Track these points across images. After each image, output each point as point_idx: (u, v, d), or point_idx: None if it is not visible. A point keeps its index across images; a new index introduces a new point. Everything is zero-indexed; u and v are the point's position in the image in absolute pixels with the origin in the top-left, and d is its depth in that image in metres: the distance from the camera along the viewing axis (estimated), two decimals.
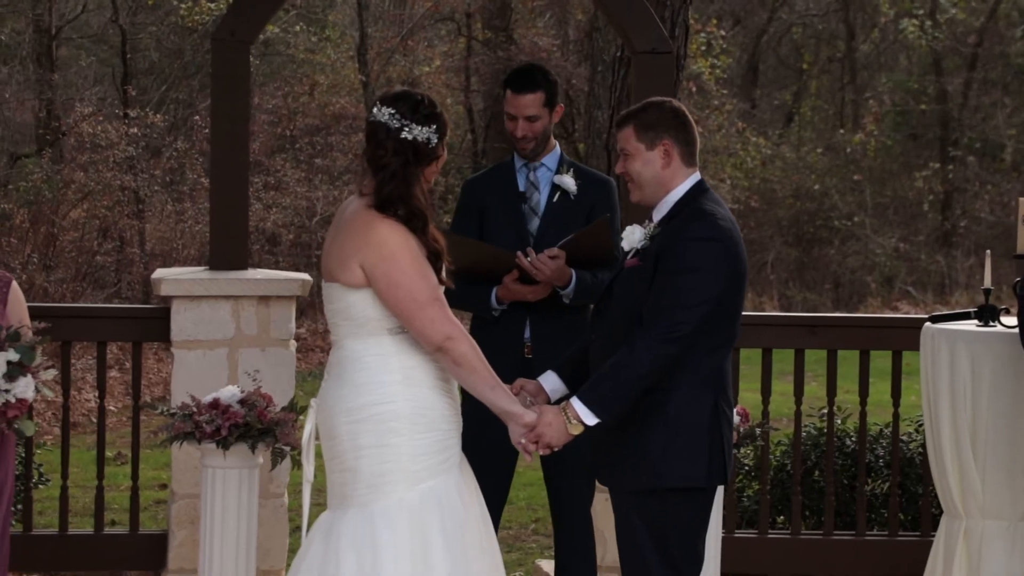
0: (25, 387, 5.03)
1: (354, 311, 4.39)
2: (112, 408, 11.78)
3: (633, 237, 4.51)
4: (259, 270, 6.63)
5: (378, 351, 4.38)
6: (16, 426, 5.04)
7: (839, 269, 20.91)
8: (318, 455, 4.61)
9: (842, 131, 22.58)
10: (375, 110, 4.45)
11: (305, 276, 6.42)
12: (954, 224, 21.47)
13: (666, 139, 4.47)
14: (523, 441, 4.40)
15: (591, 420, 4.33)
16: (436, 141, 4.43)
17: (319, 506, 4.68)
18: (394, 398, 4.36)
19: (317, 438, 4.56)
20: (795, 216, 21.30)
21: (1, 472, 5.24)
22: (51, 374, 5.13)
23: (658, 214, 4.52)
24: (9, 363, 4.99)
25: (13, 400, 4.99)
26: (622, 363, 4.30)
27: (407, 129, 4.39)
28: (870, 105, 22.84)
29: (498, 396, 4.40)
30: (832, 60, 24.18)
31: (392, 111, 4.40)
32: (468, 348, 4.36)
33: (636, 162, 4.50)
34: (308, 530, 4.54)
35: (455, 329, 4.35)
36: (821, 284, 20.76)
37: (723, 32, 19.92)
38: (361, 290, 4.37)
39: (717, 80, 19.72)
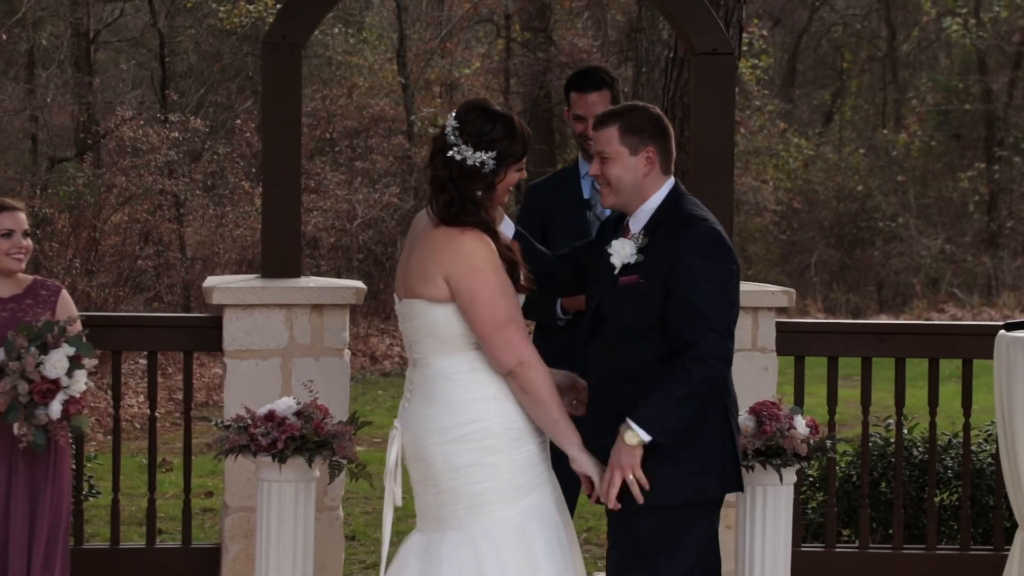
0: (79, 380, 5.13)
1: (439, 327, 4.25)
2: (156, 414, 11.68)
3: (624, 252, 4.35)
4: (312, 278, 6.51)
5: (467, 367, 4.26)
6: (74, 423, 5.10)
7: (883, 271, 20.68)
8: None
9: (884, 131, 22.35)
10: (450, 115, 4.35)
11: (359, 284, 6.30)
12: (1000, 225, 21.23)
13: (651, 146, 4.35)
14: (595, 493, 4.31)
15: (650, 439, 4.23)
16: (493, 167, 4.27)
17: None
18: (487, 415, 4.24)
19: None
20: (838, 217, 21.08)
21: (58, 484, 5.22)
22: (92, 363, 5.22)
23: (636, 223, 4.39)
24: (69, 358, 5.06)
25: (77, 395, 5.09)
26: (685, 392, 4.18)
27: (456, 149, 4.27)
28: (913, 105, 22.61)
29: (559, 431, 4.27)
30: (872, 59, 23.95)
31: (456, 124, 4.30)
32: (539, 375, 4.23)
33: (616, 166, 4.36)
34: (387, 554, 4.42)
35: (529, 353, 4.22)
36: (864, 286, 20.54)
37: (764, 32, 19.74)
38: (446, 304, 4.23)
39: (758, 81, 19.54)
